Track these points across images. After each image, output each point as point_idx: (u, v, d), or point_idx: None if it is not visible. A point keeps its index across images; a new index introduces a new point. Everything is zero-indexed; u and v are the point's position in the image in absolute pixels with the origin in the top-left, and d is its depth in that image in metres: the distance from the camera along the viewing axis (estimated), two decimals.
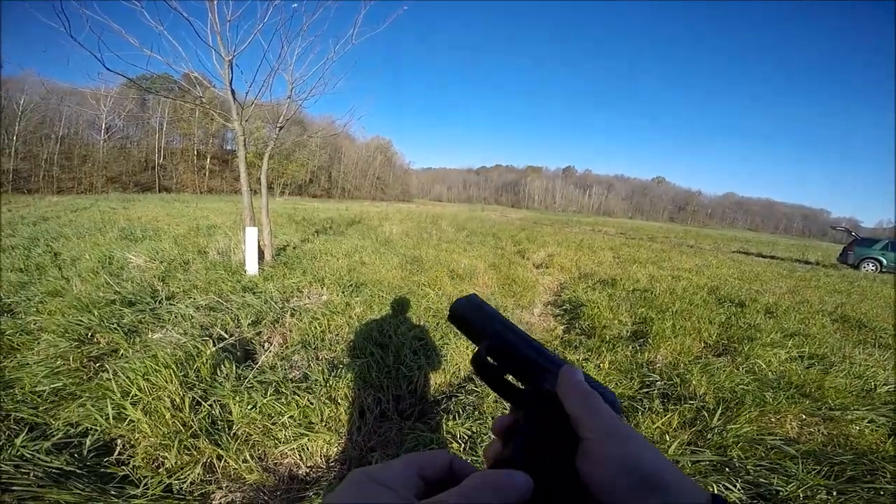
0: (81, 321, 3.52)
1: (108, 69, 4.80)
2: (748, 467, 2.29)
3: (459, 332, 0.44)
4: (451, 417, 2.70)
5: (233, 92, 5.50)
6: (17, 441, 2.11)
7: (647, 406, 2.88)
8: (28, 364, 2.89)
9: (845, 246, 16.77)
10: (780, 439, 2.67)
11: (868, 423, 2.92)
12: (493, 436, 0.40)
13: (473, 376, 3.30)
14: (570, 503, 0.31)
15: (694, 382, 3.29)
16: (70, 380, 2.72)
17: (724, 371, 3.52)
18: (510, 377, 0.40)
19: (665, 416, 2.74)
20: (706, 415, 2.86)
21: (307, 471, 2.29)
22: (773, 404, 3.00)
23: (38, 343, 3.23)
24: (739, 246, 23.63)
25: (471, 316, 0.42)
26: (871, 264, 15.58)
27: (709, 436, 2.53)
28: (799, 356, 4.09)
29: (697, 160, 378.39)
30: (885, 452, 2.55)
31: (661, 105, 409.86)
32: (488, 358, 0.39)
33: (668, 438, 2.48)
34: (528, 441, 0.34)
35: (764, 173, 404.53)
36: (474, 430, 2.54)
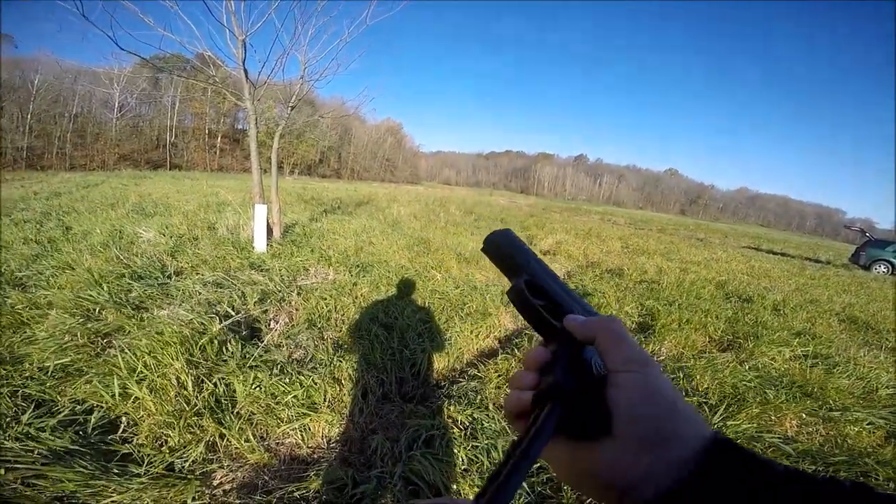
0: (91, 296, 3.56)
1: (121, 48, 4.77)
2: None
3: (492, 263, 0.45)
4: (452, 402, 2.71)
5: (245, 71, 5.47)
6: (24, 418, 2.14)
7: None
8: (37, 339, 2.93)
9: (858, 247, 16.50)
10: (779, 437, 2.67)
11: (867, 424, 2.90)
12: (523, 367, 0.42)
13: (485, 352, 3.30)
14: (601, 430, 0.34)
15: (697, 377, 3.28)
16: (77, 356, 2.76)
17: (728, 367, 3.50)
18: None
19: None
20: (707, 410, 2.85)
21: (308, 451, 2.31)
22: (774, 402, 2.99)
23: (48, 318, 3.27)
24: (750, 241, 23.36)
25: (508, 249, 0.44)
26: (882, 266, 15.30)
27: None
28: (804, 355, 4.06)
29: (711, 153, 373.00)
30: (881, 455, 2.54)
31: (676, 96, 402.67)
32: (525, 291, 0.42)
33: None
34: (565, 371, 0.37)
35: (780, 169, 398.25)
36: (475, 417, 2.55)
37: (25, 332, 3.06)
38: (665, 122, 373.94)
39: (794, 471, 0.30)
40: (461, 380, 3.08)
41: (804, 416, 2.94)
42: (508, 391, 0.42)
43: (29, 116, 35.03)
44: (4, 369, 2.54)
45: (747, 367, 3.59)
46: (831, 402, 3.17)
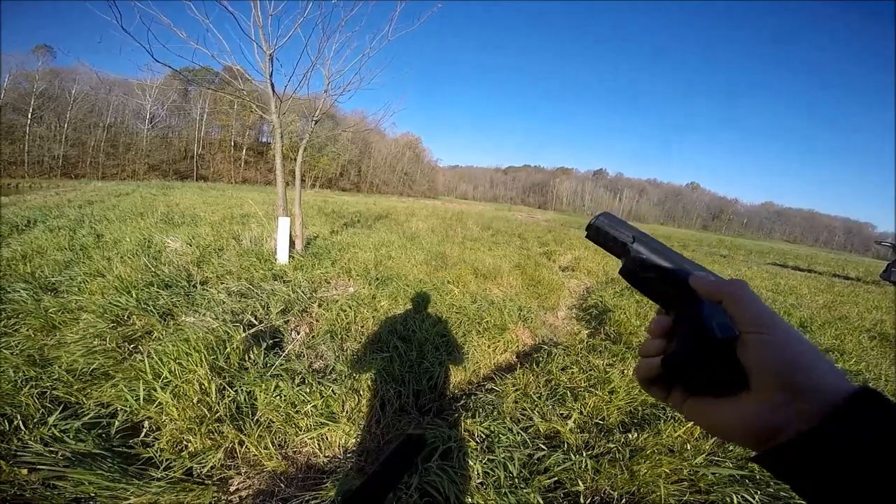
0: (120, 302, 3.67)
1: (157, 60, 4.97)
2: (769, 480, 2.21)
3: (599, 247, 0.48)
4: (469, 415, 2.70)
5: (272, 85, 5.62)
6: (50, 420, 2.20)
7: (669, 415, 2.81)
8: (67, 343, 3.03)
9: (889, 263, 15.88)
10: None
11: None
12: (650, 336, 0.45)
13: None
14: (738, 386, 0.37)
15: None
16: (105, 360, 2.84)
17: None
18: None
19: (688, 425, 2.67)
20: None
21: (325, 460, 2.33)
22: None
23: (78, 322, 3.37)
24: (775, 258, 22.80)
25: (612, 231, 0.47)
26: None
27: (730, 447, 2.46)
28: None
29: (735, 167, 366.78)
30: None
31: (697, 108, 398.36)
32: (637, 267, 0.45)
33: (689, 448, 2.41)
34: (686, 337, 0.39)
35: (806, 183, 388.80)
36: (492, 430, 2.53)
37: (56, 336, 3.16)
38: (687, 134, 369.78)
39: None
40: (478, 393, 3.06)
41: None
42: (640, 363, 0.45)
43: (66, 126, 36.52)
44: (34, 371, 2.63)
45: None
46: None
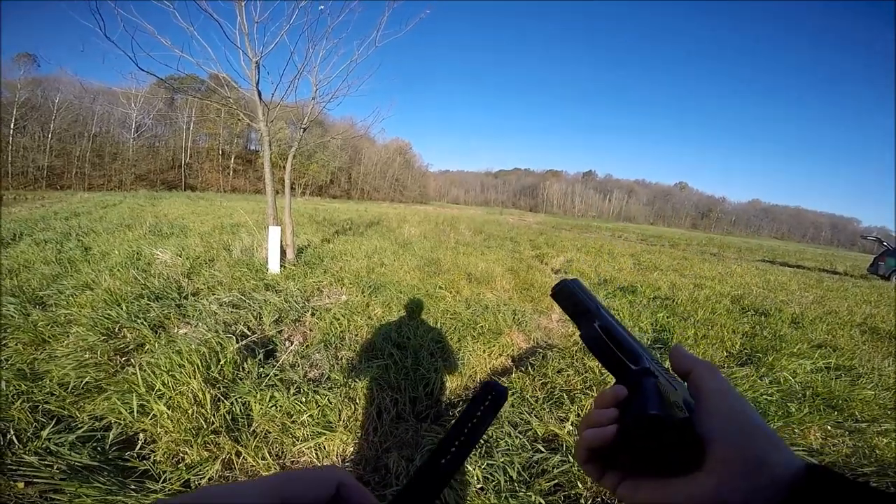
0: (110, 315, 3.63)
1: (140, 69, 4.92)
2: None
3: (560, 306, 0.49)
4: None
5: (259, 93, 5.60)
6: (44, 433, 2.18)
7: None
8: (57, 356, 2.98)
9: (876, 256, 16.15)
10: (804, 450, 2.63)
11: None
12: (596, 407, 0.44)
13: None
14: (692, 463, 0.36)
15: None
16: (97, 373, 2.80)
17: (747, 381, 3.46)
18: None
19: None
20: None
21: None
22: (797, 415, 2.94)
23: (68, 336, 3.33)
24: (764, 254, 23.09)
25: (581, 296, 0.47)
26: None
27: None
28: (825, 367, 4.00)
29: (722, 165, 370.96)
30: None
31: (684, 108, 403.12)
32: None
33: None
34: (658, 400, 0.39)
35: (792, 180, 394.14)
36: (491, 435, 2.53)
37: (46, 349, 3.12)
38: (673, 134, 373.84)
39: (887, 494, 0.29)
40: None
41: (829, 428, 2.90)
42: (581, 433, 0.43)
43: (50, 136, 35.99)
44: (25, 385, 2.59)
45: (767, 381, 3.54)
46: (857, 413, 3.12)
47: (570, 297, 0.47)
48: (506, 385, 3.13)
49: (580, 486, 2.12)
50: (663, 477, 0.37)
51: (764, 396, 3.20)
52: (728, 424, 0.35)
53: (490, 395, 0.38)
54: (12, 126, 34.18)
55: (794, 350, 4.32)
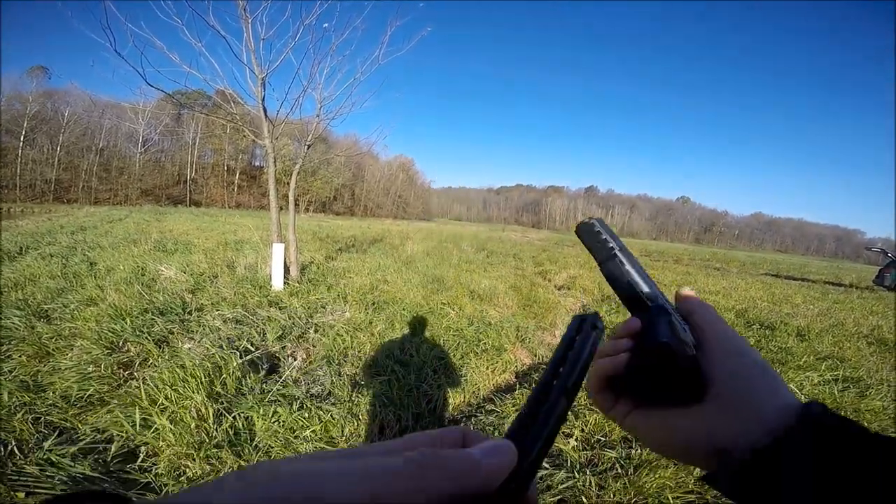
0: (114, 329, 3.64)
1: (149, 84, 5.00)
2: None
3: (583, 245, 0.50)
4: None
5: (264, 109, 5.67)
6: (46, 444, 2.18)
7: None
8: (61, 369, 2.99)
9: (881, 268, 15.96)
10: None
11: None
12: (612, 339, 0.45)
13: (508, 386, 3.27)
14: (695, 396, 0.38)
15: None
16: (100, 386, 2.81)
17: None
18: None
19: None
20: None
21: None
22: None
23: (72, 349, 3.34)
24: (768, 268, 22.99)
25: (604, 234, 0.48)
26: None
27: None
28: (833, 379, 3.95)
29: (724, 179, 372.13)
30: None
31: (686, 122, 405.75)
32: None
33: (691, 467, 2.41)
34: (671, 330, 0.40)
35: (795, 192, 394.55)
36: None
37: (50, 362, 3.13)
38: (675, 148, 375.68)
39: (883, 437, 0.29)
40: (478, 414, 3.05)
41: None
42: (595, 363, 0.43)
43: (58, 149, 36.33)
44: (29, 396, 2.60)
45: None
46: (867, 424, 3.07)
47: (594, 234, 0.49)
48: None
49: (585, 500, 2.10)
50: (670, 407, 0.39)
51: None
52: (728, 366, 0.37)
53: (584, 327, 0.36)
54: (22, 138, 34.58)
55: (801, 363, 4.28)
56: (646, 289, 0.45)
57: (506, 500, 0.24)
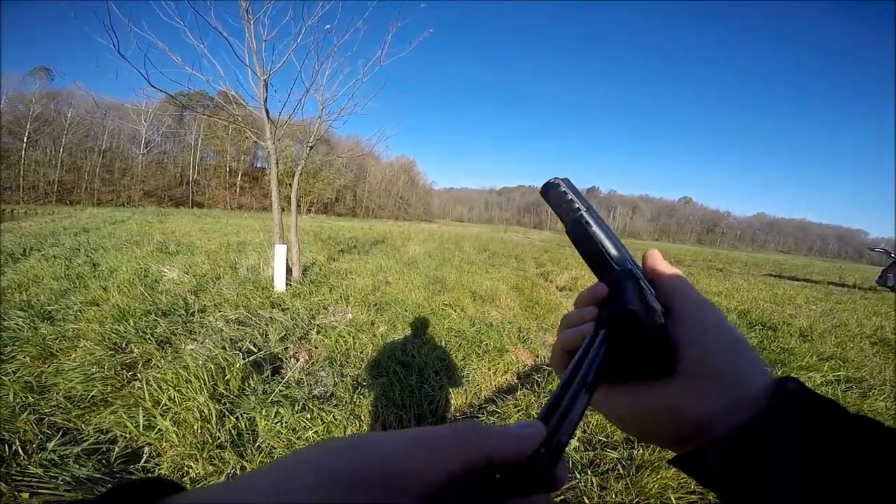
0: (118, 330, 3.65)
1: (152, 85, 5.02)
2: None
3: (549, 204, 0.47)
4: None
5: (267, 111, 5.68)
6: (50, 445, 2.19)
7: None
8: (64, 370, 3.00)
9: (884, 268, 15.88)
10: None
11: None
12: (575, 306, 0.43)
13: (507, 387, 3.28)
14: (665, 369, 0.35)
15: None
16: (104, 387, 2.82)
17: None
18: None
19: None
20: None
21: None
22: None
23: (76, 350, 3.35)
24: (771, 269, 22.93)
25: (571, 194, 0.45)
26: None
27: None
28: (836, 379, 3.94)
29: (726, 179, 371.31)
30: None
31: (688, 123, 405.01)
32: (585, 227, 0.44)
33: None
34: (635, 297, 0.37)
35: (797, 193, 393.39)
36: None
37: (53, 363, 3.14)
38: (677, 147, 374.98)
39: (867, 418, 0.27)
40: (480, 415, 3.05)
41: None
42: (559, 334, 0.41)
43: (61, 150, 36.39)
44: (32, 397, 2.62)
45: None
46: None
47: (560, 194, 0.46)
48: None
49: (587, 501, 2.10)
50: (640, 382, 0.36)
51: None
52: (698, 336, 0.34)
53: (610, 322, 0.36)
54: (25, 140, 34.67)
55: (804, 363, 4.28)
56: (614, 252, 0.42)
57: (538, 469, 0.26)
